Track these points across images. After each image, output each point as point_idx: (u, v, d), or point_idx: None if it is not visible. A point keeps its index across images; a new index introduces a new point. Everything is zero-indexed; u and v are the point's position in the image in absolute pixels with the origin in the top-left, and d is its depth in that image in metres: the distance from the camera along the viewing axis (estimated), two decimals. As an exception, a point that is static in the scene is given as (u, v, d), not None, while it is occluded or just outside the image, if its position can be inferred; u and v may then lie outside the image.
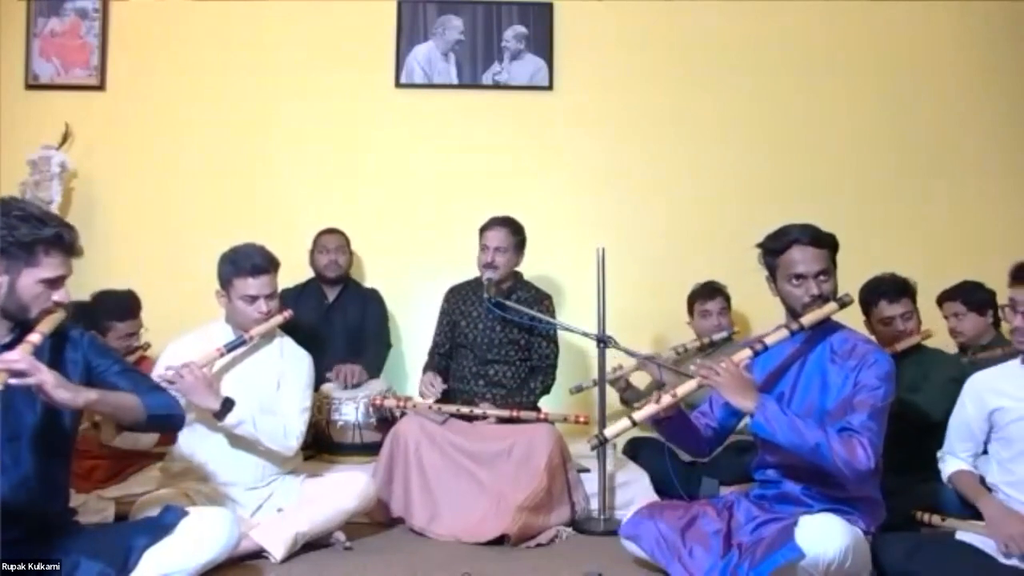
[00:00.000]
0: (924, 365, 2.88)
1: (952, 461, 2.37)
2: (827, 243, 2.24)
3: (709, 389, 2.23)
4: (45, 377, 1.76)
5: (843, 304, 2.21)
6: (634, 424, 2.19)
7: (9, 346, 1.87)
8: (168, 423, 2.20)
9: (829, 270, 2.23)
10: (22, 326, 1.92)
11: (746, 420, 2.21)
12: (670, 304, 3.73)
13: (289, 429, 2.63)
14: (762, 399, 2.11)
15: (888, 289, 2.96)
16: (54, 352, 2.00)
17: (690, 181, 4.10)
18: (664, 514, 2.32)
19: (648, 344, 3.76)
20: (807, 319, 2.19)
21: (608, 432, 2.23)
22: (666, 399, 2.16)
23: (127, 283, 3.33)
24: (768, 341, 2.20)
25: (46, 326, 1.90)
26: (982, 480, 2.28)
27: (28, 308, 1.91)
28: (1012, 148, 4.09)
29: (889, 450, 2.30)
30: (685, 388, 2.18)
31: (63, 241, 1.92)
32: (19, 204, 1.94)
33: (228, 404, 2.51)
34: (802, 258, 2.20)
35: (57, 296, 1.93)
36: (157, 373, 2.54)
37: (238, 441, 2.59)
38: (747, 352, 2.20)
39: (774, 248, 2.26)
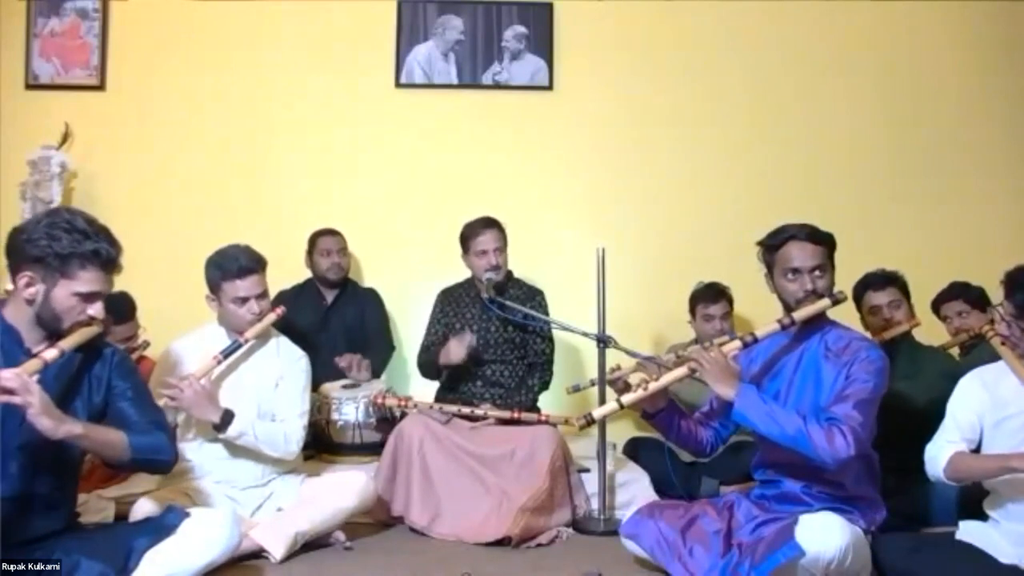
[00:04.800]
0: (917, 359, 2.90)
1: (943, 452, 2.16)
2: (824, 241, 2.27)
3: (708, 389, 2.24)
4: (31, 400, 1.72)
5: (836, 301, 2.24)
6: (621, 407, 2.23)
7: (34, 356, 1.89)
8: (151, 467, 2.14)
9: (825, 266, 2.25)
10: (55, 336, 1.92)
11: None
12: (670, 304, 3.74)
13: (289, 435, 2.64)
14: (742, 388, 2.14)
15: (874, 279, 3.02)
16: (83, 367, 2.01)
17: (690, 181, 4.10)
18: (664, 514, 2.33)
19: (648, 344, 3.76)
20: (799, 313, 2.22)
21: (596, 413, 2.29)
22: (653, 385, 2.20)
23: (127, 283, 3.31)
24: (758, 334, 2.24)
25: (69, 342, 1.90)
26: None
27: (61, 319, 1.91)
28: (1012, 148, 4.09)
29: (885, 449, 2.31)
30: (672, 376, 2.22)
31: (100, 257, 1.92)
32: (68, 216, 1.93)
33: (228, 416, 2.52)
34: (798, 253, 2.24)
35: (92, 311, 1.93)
36: (155, 388, 2.54)
37: (238, 448, 2.60)
38: (736, 343, 2.24)
39: (772, 244, 2.29)
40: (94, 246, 1.91)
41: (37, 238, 1.88)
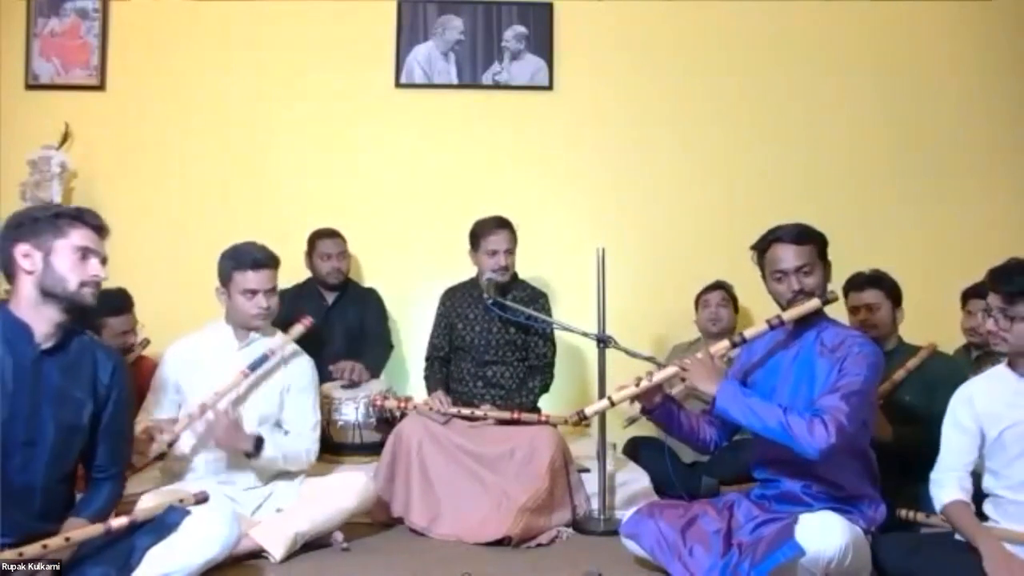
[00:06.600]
0: (928, 374, 2.79)
1: (947, 487, 2.16)
2: (809, 240, 2.28)
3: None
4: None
5: (827, 300, 2.26)
6: (612, 404, 2.33)
7: (51, 352, 1.97)
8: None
9: (812, 265, 2.27)
10: (71, 313, 1.99)
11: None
12: (670, 304, 3.75)
13: (310, 450, 2.73)
14: (723, 385, 2.19)
15: (856, 280, 2.99)
16: (87, 365, 2.06)
17: (690, 181, 4.10)
18: (664, 513, 2.33)
19: (648, 344, 3.75)
20: (787, 314, 2.25)
21: (588, 410, 2.40)
22: (644, 383, 2.26)
23: (127, 283, 3.33)
24: (747, 334, 2.30)
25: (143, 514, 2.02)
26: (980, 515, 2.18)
27: (66, 280, 1.95)
28: (1012, 147, 4.09)
29: (883, 450, 2.31)
30: (663, 374, 2.28)
31: (82, 216, 2.03)
32: (37, 203, 2.08)
33: (260, 444, 2.56)
34: (783, 255, 2.27)
35: (93, 271, 1.99)
36: (158, 391, 2.63)
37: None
38: (725, 343, 2.30)
39: (760, 247, 2.34)
40: (75, 209, 2.07)
41: (23, 216, 2.01)
